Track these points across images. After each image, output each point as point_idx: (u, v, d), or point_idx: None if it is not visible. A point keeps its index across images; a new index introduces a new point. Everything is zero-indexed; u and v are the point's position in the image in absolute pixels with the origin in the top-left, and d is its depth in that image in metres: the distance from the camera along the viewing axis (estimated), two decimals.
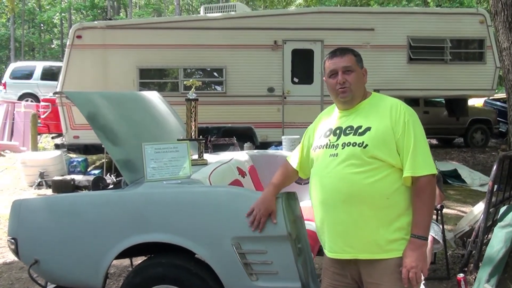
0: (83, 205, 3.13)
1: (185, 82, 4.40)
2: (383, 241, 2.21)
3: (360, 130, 2.27)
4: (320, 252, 2.84)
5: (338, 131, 2.35)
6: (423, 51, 10.15)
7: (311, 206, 2.44)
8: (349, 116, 2.37)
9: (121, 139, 3.40)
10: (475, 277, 4.05)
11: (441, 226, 4.42)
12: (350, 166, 2.22)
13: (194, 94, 3.80)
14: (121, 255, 3.06)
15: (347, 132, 2.31)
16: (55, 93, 10.06)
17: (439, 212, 4.55)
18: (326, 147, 2.34)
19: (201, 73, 10.18)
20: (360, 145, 2.22)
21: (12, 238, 3.18)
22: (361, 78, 2.38)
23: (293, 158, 2.71)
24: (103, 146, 7.26)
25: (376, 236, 2.21)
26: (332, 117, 2.48)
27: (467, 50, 10.61)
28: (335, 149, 2.29)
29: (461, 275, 4.18)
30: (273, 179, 2.73)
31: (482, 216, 4.38)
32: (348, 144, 2.26)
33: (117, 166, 3.24)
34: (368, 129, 2.25)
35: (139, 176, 3.24)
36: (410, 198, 2.23)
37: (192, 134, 3.78)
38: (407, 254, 2.18)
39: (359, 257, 2.25)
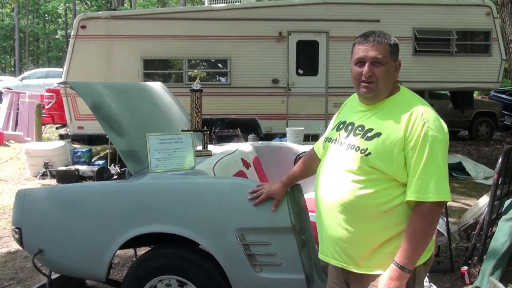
0: (87, 195, 3.13)
1: (190, 73, 4.39)
2: (377, 255, 2.01)
3: (369, 134, 2.01)
4: None
5: (350, 127, 2.11)
6: (428, 43, 10.08)
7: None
8: (366, 112, 2.10)
9: (125, 130, 3.39)
10: (479, 270, 4.06)
11: (445, 219, 4.41)
12: (349, 172, 2.01)
13: (198, 85, 3.79)
14: (125, 246, 3.06)
15: (357, 132, 2.06)
16: (59, 83, 10.06)
17: None
18: (335, 143, 2.14)
19: (205, 64, 10.15)
20: (363, 151, 1.98)
21: (16, 228, 3.19)
22: (391, 73, 2.06)
23: (318, 146, 2.47)
24: (107, 136, 7.24)
25: (369, 250, 2.01)
26: (353, 105, 2.21)
27: (473, 42, 10.53)
28: (341, 148, 2.09)
29: (465, 267, 4.18)
30: (292, 169, 2.64)
31: (486, 209, 4.38)
32: (352, 146, 2.03)
33: (121, 156, 3.24)
34: (378, 135, 1.98)
35: (143, 167, 3.24)
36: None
37: (197, 125, 3.77)
38: (383, 280, 1.94)
39: (347, 268, 2.08)
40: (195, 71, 3.98)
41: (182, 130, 3.75)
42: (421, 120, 1.94)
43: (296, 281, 2.75)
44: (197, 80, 3.85)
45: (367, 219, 1.99)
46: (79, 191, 3.24)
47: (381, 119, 2.03)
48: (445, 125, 2.01)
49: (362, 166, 1.98)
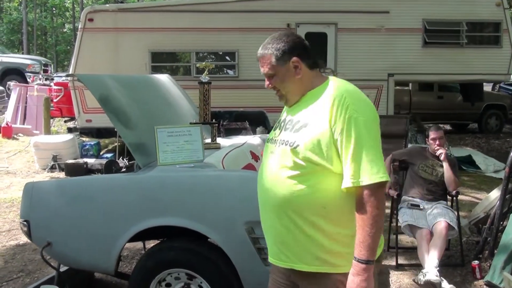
0: (96, 188, 3.13)
1: (198, 65, 4.37)
2: (321, 253, 1.92)
3: (296, 126, 1.97)
4: None
5: (282, 124, 2.09)
6: (438, 34, 9.97)
7: None
8: (296, 107, 2.07)
9: (133, 122, 3.38)
10: (490, 264, 4.01)
11: (456, 213, 4.37)
12: (283, 168, 1.94)
13: (207, 78, 3.76)
14: (133, 238, 3.06)
15: (287, 126, 2.03)
16: (67, 75, 10.06)
17: (454, 198, 4.50)
18: (270, 142, 2.10)
19: (213, 57, 10.10)
20: (291, 144, 1.93)
21: (25, 221, 3.19)
22: (288, 76, 2.03)
23: None
24: (115, 129, 7.20)
25: (314, 246, 1.92)
26: None
27: (483, 34, 10.41)
28: (274, 146, 2.04)
29: (476, 262, 4.15)
30: None
31: (498, 202, 4.33)
32: (282, 142, 1.99)
33: (129, 149, 3.22)
34: (304, 125, 1.94)
35: (151, 160, 3.22)
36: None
37: (205, 117, 3.74)
38: (349, 279, 1.87)
39: (295, 267, 1.98)
40: (203, 63, 3.96)
41: (191, 123, 3.73)
42: (344, 104, 1.87)
43: None
44: (205, 72, 3.82)
45: (309, 215, 1.91)
46: (88, 184, 3.23)
47: (307, 110, 1.99)
48: (371, 104, 1.94)
49: (293, 160, 1.92)
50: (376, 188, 1.83)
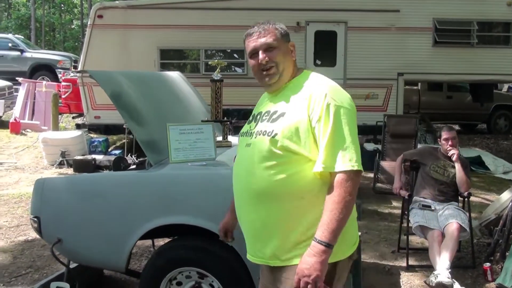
0: (107, 185, 3.12)
1: (210, 62, 4.35)
2: (295, 245, 1.91)
3: (274, 116, 1.98)
4: None
5: (258, 117, 2.08)
6: (449, 34, 9.89)
7: None
8: (273, 98, 2.08)
9: (145, 119, 3.36)
10: (502, 267, 3.98)
11: (467, 214, 4.33)
12: (261, 159, 1.93)
13: (219, 75, 3.74)
14: (144, 236, 3.04)
15: (264, 118, 2.03)
16: (77, 71, 10.07)
17: (466, 199, 4.46)
18: (245, 135, 2.09)
19: (222, 54, 10.08)
20: (269, 134, 1.93)
21: (35, 217, 3.18)
22: (287, 54, 2.05)
23: None
24: (125, 126, 7.20)
25: (288, 240, 1.92)
26: (263, 98, 2.21)
27: (494, 34, 10.33)
28: (250, 138, 2.03)
29: (488, 264, 4.11)
30: None
31: (510, 204, 4.29)
32: (259, 132, 1.98)
33: (141, 146, 3.20)
34: (282, 115, 1.95)
35: (163, 157, 3.20)
36: None
37: (217, 115, 3.73)
38: (302, 259, 1.83)
39: (270, 263, 1.98)
40: (216, 60, 3.94)
41: (202, 121, 3.71)
42: (322, 93, 1.91)
43: None
44: (217, 69, 3.81)
45: (286, 206, 1.91)
46: (99, 181, 3.22)
47: (284, 100, 2.00)
48: (348, 96, 1.97)
49: (271, 150, 1.92)
50: (353, 175, 1.85)
